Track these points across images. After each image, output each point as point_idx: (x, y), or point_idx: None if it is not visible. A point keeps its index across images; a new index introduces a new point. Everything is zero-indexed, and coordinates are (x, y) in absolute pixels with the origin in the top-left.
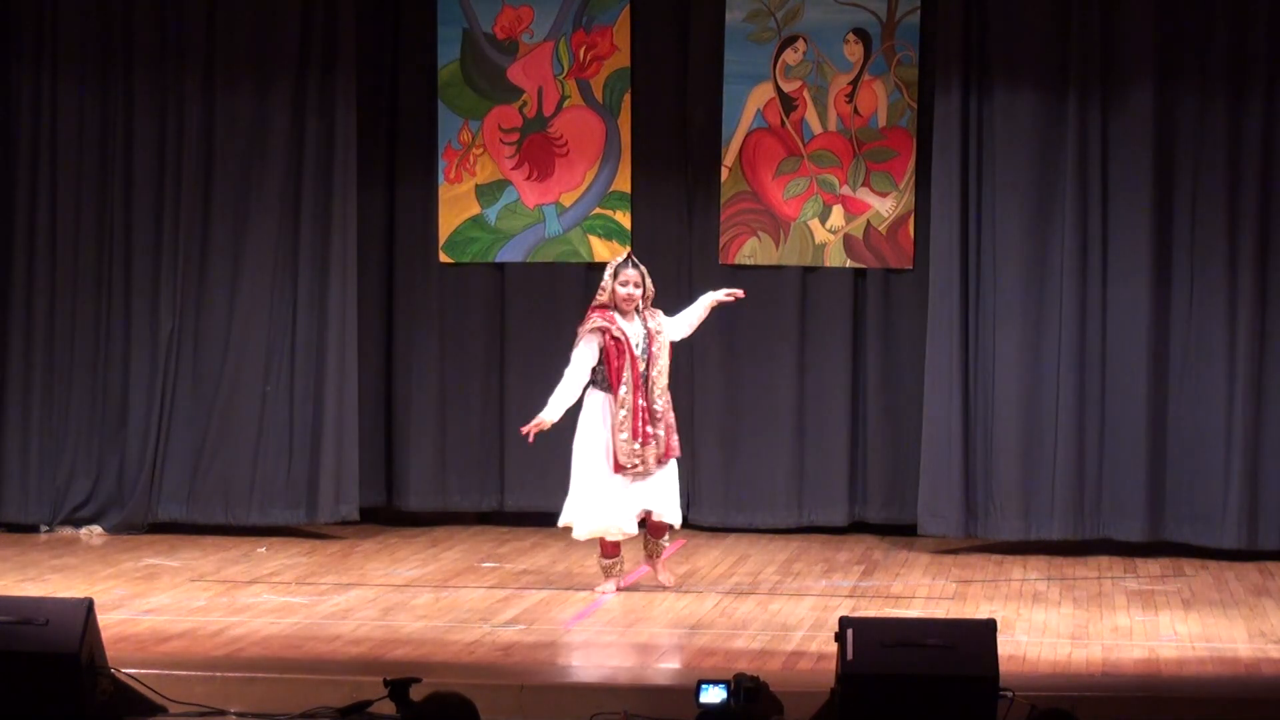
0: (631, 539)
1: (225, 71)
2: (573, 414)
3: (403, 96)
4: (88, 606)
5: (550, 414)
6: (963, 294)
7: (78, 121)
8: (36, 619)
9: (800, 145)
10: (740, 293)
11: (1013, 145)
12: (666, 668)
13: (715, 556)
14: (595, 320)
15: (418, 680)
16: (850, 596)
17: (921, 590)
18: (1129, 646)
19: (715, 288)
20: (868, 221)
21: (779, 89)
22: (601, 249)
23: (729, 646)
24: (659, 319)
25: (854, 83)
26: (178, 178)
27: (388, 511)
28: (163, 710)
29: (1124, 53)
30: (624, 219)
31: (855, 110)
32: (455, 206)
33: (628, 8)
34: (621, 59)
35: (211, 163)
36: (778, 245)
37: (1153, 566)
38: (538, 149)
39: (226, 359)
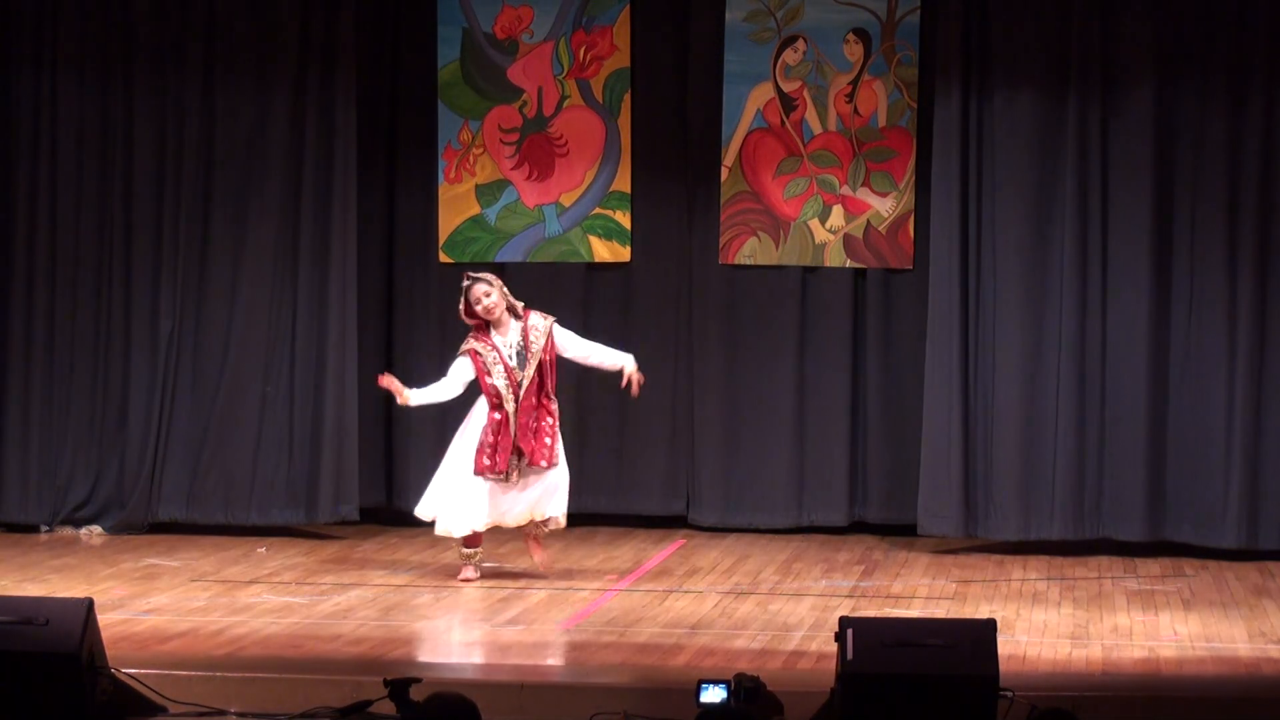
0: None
1: (225, 71)
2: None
3: (403, 96)
4: (88, 606)
5: (413, 394)
6: (963, 294)
7: (78, 121)
8: (36, 619)
9: (800, 145)
10: (638, 384)
11: (1013, 145)
12: (666, 668)
13: (715, 556)
14: (469, 342)
15: (418, 680)
16: (850, 596)
17: (921, 590)
18: (1129, 646)
19: (715, 288)
20: (868, 221)
21: (779, 89)
22: (601, 249)
23: (729, 646)
24: (541, 322)
25: (854, 83)
26: (178, 178)
27: (388, 511)
28: (163, 710)
29: (1124, 53)
30: (624, 219)
31: (855, 110)
32: (455, 206)
33: (628, 8)
34: (621, 59)
35: (211, 163)
36: (778, 245)
37: (1153, 566)
38: (538, 149)
39: (226, 359)
